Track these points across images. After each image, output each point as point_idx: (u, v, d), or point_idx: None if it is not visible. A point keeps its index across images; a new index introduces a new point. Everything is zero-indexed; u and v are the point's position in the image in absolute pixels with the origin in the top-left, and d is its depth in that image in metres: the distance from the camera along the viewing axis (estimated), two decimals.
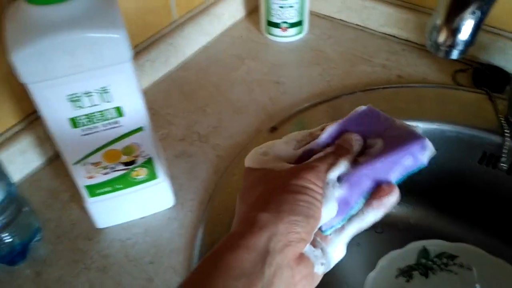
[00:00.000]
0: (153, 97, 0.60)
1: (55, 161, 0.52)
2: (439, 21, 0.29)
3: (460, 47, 0.29)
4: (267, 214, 0.28)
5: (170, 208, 0.48)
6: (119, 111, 0.37)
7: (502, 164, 0.53)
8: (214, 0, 0.68)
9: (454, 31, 0.28)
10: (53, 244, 0.45)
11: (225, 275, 0.26)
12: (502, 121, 0.53)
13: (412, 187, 0.60)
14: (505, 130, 0.52)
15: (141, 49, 0.60)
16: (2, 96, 0.47)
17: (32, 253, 0.44)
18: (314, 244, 0.30)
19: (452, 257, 0.56)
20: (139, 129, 0.39)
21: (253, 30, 0.71)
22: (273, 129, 0.55)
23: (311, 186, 0.30)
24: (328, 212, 0.30)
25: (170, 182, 0.46)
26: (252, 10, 0.73)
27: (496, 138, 0.53)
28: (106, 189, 0.42)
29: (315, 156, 0.33)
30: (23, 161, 0.50)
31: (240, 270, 0.26)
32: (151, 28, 0.61)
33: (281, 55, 0.66)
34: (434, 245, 0.57)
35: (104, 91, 0.35)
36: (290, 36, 0.68)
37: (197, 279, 0.27)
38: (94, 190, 0.42)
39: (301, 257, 0.29)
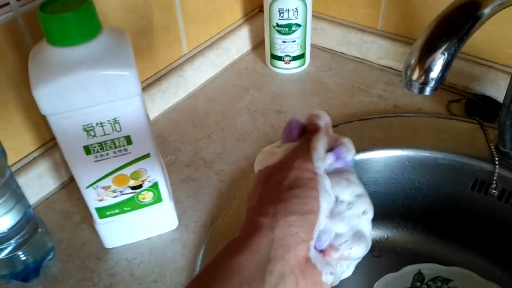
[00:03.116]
0: (163, 125, 0.64)
1: (69, 185, 0.56)
2: (413, 61, 0.32)
3: (432, 84, 0.32)
4: (264, 219, 0.28)
5: (174, 229, 0.51)
6: (128, 140, 0.41)
7: (493, 191, 0.56)
8: (223, 35, 0.73)
9: (426, 70, 0.31)
10: (64, 263, 0.48)
11: (225, 284, 0.25)
12: (493, 150, 0.56)
13: (409, 213, 0.62)
14: (496, 158, 0.55)
15: (153, 81, 0.64)
16: (23, 125, 0.51)
17: (45, 271, 0.48)
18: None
19: (446, 280, 0.58)
20: (146, 156, 0.43)
21: (258, 63, 0.75)
22: None
23: (304, 174, 0.29)
24: (326, 199, 0.29)
25: (174, 205, 0.50)
26: (258, 44, 0.78)
27: (487, 166, 0.55)
28: (114, 211, 0.45)
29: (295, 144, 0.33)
30: (39, 185, 0.54)
31: (240, 278, 0.26)
32: (163, 61, 0.65)
33: (284, 86, 0.70)
34: (429, 269, 0.59)
35: (115, 121, 0.39)
36: (292, 68, 0.71)
37: (197, 287, 0.26)
38: (103, 212, 0.45)
39: (307, 263, 0.28)
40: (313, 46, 0.75)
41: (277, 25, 0.67)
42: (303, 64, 0.72)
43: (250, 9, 0.76)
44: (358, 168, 0.58)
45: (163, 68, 0.65)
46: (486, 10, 0.33)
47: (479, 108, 0.62)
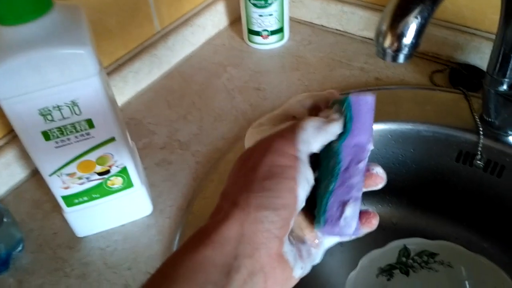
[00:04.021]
0: (136, 107, 0.62)
1: (38, 173, 0.54)
2: (384, 27, 0.30)
3: (405, 51, 0.30)
4: (234, 210, 0.25)
5: (149, 215, 0.49)
6: (90, 123, 0.38)
7: (478, 162, 0.54)
8: (197, 11, 0.70)
9: (399, 36, 0.29)
10: (35, 253, 0.47)
11: (188, 282, 0.23)
12: (477, 120, 0.54)
13: (394, 187, 0.61)
14: (480, 129, 0.53)
15: (124, 61, 0.62)
16: None
17: (15, 263, 0.46)
18: (300, 241, 0.28)
19: (432, 255, 0.57)
20: (111, 140, 0.40)
21: (235, 39, 0.72)
22: None
23: (281, 160, 0.26)
24: (304, 189, 0.26)
25: (147, 189, 0.48)
26: (235, 19, 0.75)
27: (471, 137, 0.54)
28: (83, 199, 0.43)
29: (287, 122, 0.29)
30: (7, 174, 0.52)
31: (204, 275, 0.24)
32: (134, 40, 0.63)
33: (263, 62, 0.68)
34: (415, 243, 0.57)
35: (73, 104, 0.37)
36: (271, 43, 0.69)
37: (157, 283, 0.24)
38: (71, 200, 0.43)
39: (279, 260, 0.26)
40: (292, 20, 0.73)
41: None
42: (282, 39, 0.69)
43: None
44: None
45: (134, 48, 0.63)
46: None
47: (463, 77, 0.60)
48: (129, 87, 0.62)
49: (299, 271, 0.27)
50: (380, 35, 0.30)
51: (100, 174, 0.42)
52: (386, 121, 0.56)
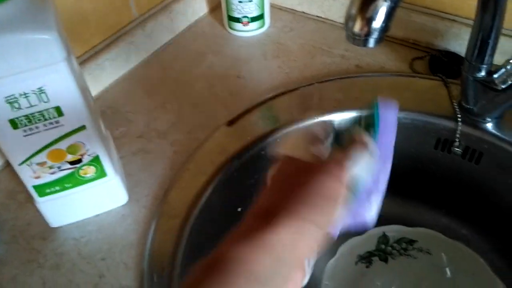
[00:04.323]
0: (114, 95, 0.61)
1: None
2: (353, 11, 0.29)
3: (375, 35, 0.29)
4: (289, 220, 0.27)
5: (125, 204, 0.48)
6: (58, 111, 0.37)
7: (456, 149, 0.54)
8: None
9: (368, 20, 0.29)
10: (8, 244, 0.46)
11: (241, 279, 0.25)
12: (455, 107, 0.54)
13: None
14: (458, 115, 0.53)
15: (101, 49, 0.60)
16: None
17: None
18: None
19: (411, 242, 0.57)
20: (82, 128, 0.39)
21: (216, 26, 0.71)
22: (231, 122, 0.56)
23: (336, 186, 0.29)
24: (342, 215, 0.30)
25: (122, 179, 0.47)
26: (216, 6, 0.74)
27: (449, 124, 0.54)
28: (55, 189, 0.43)
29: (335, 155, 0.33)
30: None
31: (256, 275, 0.25)
32: (111, 27, 0.61)
33: (243, 49, 0.67)
34: (394, 230, 0.58)
35: (41, 91, 0.36)
36: (251, 30, 0.68)
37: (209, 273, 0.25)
38: (43, 189, 0.42)
39: (303, 268, 0.28)
40: (273, 6, 0.72)
41: None
42: (262, 26, 0.68)
43: None
44: None
45: (111, 35, 0.61)
46: None
47: (443, 64, 0.60)
48: (106, 75, 0.61)
49: (306, 279, 0.29)
50: (349, 19, 0.29)
51: (71, 163, 0.42)
52: (365, 107, 0.55)
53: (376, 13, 0.29)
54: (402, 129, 0.55)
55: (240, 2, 0.65)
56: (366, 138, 0.33)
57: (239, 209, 0.55)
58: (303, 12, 0.71)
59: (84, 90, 0.40)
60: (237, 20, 0.67)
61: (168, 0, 0.67)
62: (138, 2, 0.63)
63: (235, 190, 0.53)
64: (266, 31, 0.69)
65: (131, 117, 0.58)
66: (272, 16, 0.70)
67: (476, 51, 0.48)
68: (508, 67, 0.47)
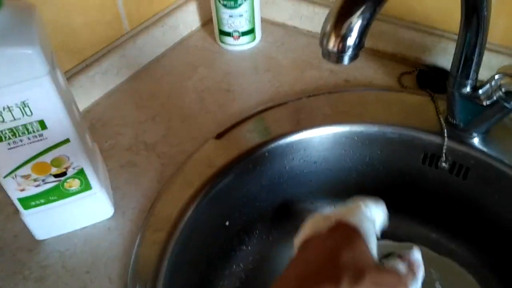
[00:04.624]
0: (104, 108, 0.61)
1: None
2: (328, 28, 0.30)
3: (349, 52, 0.30)
4: None
5: (111, 217, 0.48)
6: (42, 124, 0.38)
7: (443, 164, 0.54)
8: (168, 11, 0.69)
9: (343, 37, 0.29)
10: None
11: None
12: (442, 122, 0.54)
13: (363, 189, 0.60)
14: (444, 130, 0.53)
15: (91, 62, 0.61)
16: None
17: None
18: None
19: (400, 257, 0.56)
20: (65, 141, 0.40)
21: (207, 40, 0.72)
22: (219, 135, 0.56)
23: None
24: None
25: (108, 192, 0.47)
26: (208, 20, 0.74)
27: (436, 139, 0.54)
28: (40, 201, 0.43)
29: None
30: None
31: None
32: (102, 40, 0.62)
33: (234, 63, 0.67)
34: (382, 245, 0.57)
35: (24, 105, 0.36)
36: (242, 44, 0.69)
37: None
38: (27, 202, 0.43)
39: None
40: (265, 21, 0.73)
41: None
42: (253, 40, 0.69)
43: None
44: (307, 146, 0.56)
45: (102, 48, 0.62)
46: None
47: (431, 79, 0.60)
48: (97, 88, 0.62)
49: None
50: (324, 36, 0.30)
51: (56, 176, 0.42)
52: (352, 123, 0.56)
53: (350, 30, 0.29)
54: (390, 143, 0.56)
55: (230, 16, 0.65)
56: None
57: (227, 223, 0.55)
58: (294, 27, 0.72)
59: (69, 103, 0.40)
60: (228, 34, 0.67)
61: (160, 13, 0.68)
62: (130, 16, 0.64)
63: (222, 204, 0.53)
64: (257, 45, 0.70)
65: (120, 130, 0.58)
66: (264, 31, 0.71)
67: (461, 67, 0.48)
68: (493, 83, 0.48)
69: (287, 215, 0.61)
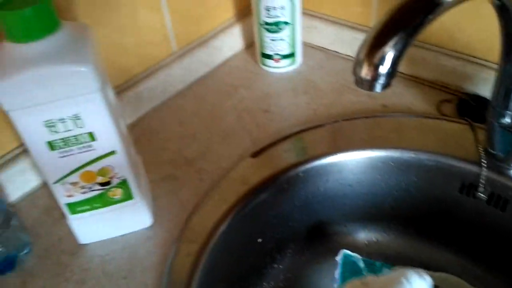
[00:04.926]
0: (149, 122, 0.64)
1: None
2: (361, 56, 0.31)
3: (381, 80, 0.31)
4: None
5: (150, 227, 0.51)
6: (91, 136, 0.41)
7: (480, 194, 0.54)
8: (213, 34, 0.72)
9: (376, 66, 0.30)
10: (40, 257, 0.49)
11: None
12: (481, 152, 0.54)
13: (398, 215, 0.61)
14: (483, 160, 0.53)
15: (140, 79, 0.65)
16: (3, 122, 0.52)
17: (21, 264, 0.48)
18: None
19: (434, 287, 0.56)
20: (111, 153, 0.43)
21: (250, 61, 0.74)
22: (255, 154, 0.58)
23: None
24: None
25: (148, 202, 0.50)
26: (251, 42, 0.77)
27: (474, 168, 0.53)
28: (85, 207, 0.46)
29: None
30: (22, 180, 0.55)
31: None
32: (151, 59, 0.66)
33: (274, 85, 0.69)
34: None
35: (76, 118, 0.39)
36: (283, 67, 0.71)
37: None
38: (74, 208, 0.46)
39: None
40: (306, 45, 0.74)
41: (265, 23, 0.66)
42: (294, 63, 0.71)
43: (242, 7, 0.76)
44: (342, 168, 0.57)
45: (150, 66, 0.66)
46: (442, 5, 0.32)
47: (471, 108, 0.60)
48: (144, 103, 0.65)
49: None
50: (357, 64, 0.31)
51: (101, 184, 0.45)
52: (388, 148, 0.56)
53: (383, 59, 0.30)
54: (427, 170, 0.56)
55: (272, 40, 0.68)
56: None
57: (259, 240, 0.56)
58: (335, 51, 0.74)
59: (117, 117, 0.43)
60: (269, 57, 0.70)
61: (206, 36, 0.72)
62: (178, 38, 0.67)
63: (256, 221, 0.54)
64: (297, 68, 0.72)
65: (163, 144, 0.61)
66: (306, 54, 0.73)
67: (500, 97, 0.48)
68: None
69: (320, 236, 0.62)
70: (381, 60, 0.30)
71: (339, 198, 0.60)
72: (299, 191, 0.57)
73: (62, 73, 0.37)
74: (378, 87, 0.31)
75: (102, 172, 0.44)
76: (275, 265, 0.60)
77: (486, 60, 0.60)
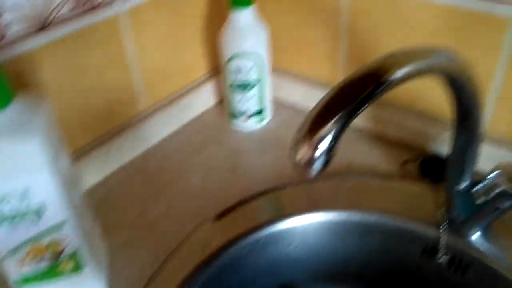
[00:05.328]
0: (113, 183, 0.64)
1: None
2: (299, 138, 0.31)
3: (320, 161, 0.31)
4: None
5: None
6: (40, 210, 0.40)
7: (441, 259, 0.53)
8: (183, 92, 0.73)
9: (315, 147, 0.31)
10: None
11: None
12: (441, 215, 0.54)
13: (360, 275, 0.60)
14: (443, 224, 0.52)
15: (105, 138, 0.65)
16: None
17: None
18: None
19: None
20: (61, 226, 0.42)
21: (220, 119, 0.75)
22: (218, 217, 0.57)
23: None
24: None
25: (102, 271, 0.49)
26: (221, 100, 0.78)
27: (434, 232, 0.53)
28: (35, 282, 0.45)
29: None
30: None
31: None
32: (118, 118, 0.66)
33: (242, 143, 0.70)
34: None
35: (24, 192, 0.39)
36: (251, 125, 0.71)
37: None
38: (24, 282, 0.45)
39: None
40: (276, 102, 0.75)
41: (233, 84, 0.67)
42: (262, 120, 0.72)
43: (215, 65, 0.77)
44: (304, 231, 0.57)
45: (118, 125, 0.66)
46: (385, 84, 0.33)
47: (434, 168, 0.60)
48: (111, 162, 0.65)
49: None
50: (295, 146, 0.32)
51: (51, 258, 0.44)
52: (351, 210, 0.56)
53: (322, 140, 0.31)
54: (389, 234, 0.56)
55: (240, 100, 0.69)
56: None
57: None
58: (304, 108, 0.75)
59: (70, 187, 0.43)
60: (238, 115, 0.70)
61: (176, 94, 0.72)
62: (146, 95, 0.68)
63: (218, 287, 0.53)
64: (266, 126, 0.72)
65: (126, 205, 0.60)
66: (275, 110, 0.74)
67: (456, 163, 0.49)
68: (486, 182, 0.48)
69: None
70: (320, 142, 0.30)
71: (303, 261, 0.59)
72: (262, 255, 0.56)
73: (8, 150, 0.37)
74: (315, 170, 0.32)
75: (51, 245, 0.43)
76: None
77: (447, 121, 0.61)
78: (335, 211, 0.57)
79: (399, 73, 0.35)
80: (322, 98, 0.35)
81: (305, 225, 0.56)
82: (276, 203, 0.59)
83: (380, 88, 0.35)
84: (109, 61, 0.61)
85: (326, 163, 0.32)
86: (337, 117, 0.33)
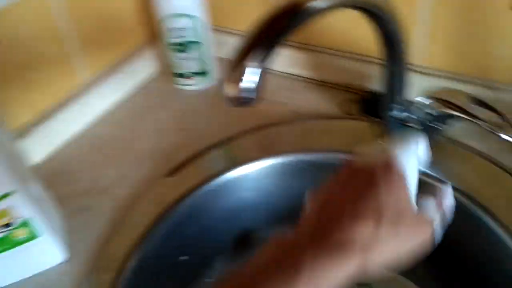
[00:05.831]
0: (63, 155, 0.64)
1: None
2: (228, 72, 0.33)
3: (249, 90, 0.33)
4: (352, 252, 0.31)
5: (65, 262, 0.50)
6: None
7: None
8: (125, 58, 0.73)
9: (242, 80, 0.32)
10: None
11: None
12: None
13: None
14: None
15: (51, 111, 0.64)
16: None
17: None
18: None
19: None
20: (6, 195, 0.42)
21: (165, 82, 0.75)
22: (170, 173, 0.58)
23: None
24: None
25: (58, 238, 0.49)
26: (166, 64, 0.78)
27: None
28: None
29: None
30: None
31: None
32: (62, 89, 0.65)
33: (189, 104, 0.71)
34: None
35: None
36: (196, 84, 0.72)
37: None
38: None
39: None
40: (222, 62, 0.76)
41: (172, 43, 0.67)
42: (209, 80, 0.72)
43: (154, 30, 0.77)
44: (258, 177, 0.59)
45: (62, 97, 0.65)
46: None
47: (372, 105, 0.63)
48: (57, 135, 0.65)
49: None
50: (224, 80, 0.33)
51: (3, 226, 0.44)
52: (297, 152, 0.58)
53: (248, 72, 0.32)
54: (337, 167, 0.58)
55: (182, 59, 0.69)
56: None
57: (182, 258, 0.57)
58: None
59: (13, 157, 0.43)
60: (181, 75, 0.71)
61: (117, 59, 0.72)
62: (86, 65, 0.67)
63: (174, 241, 0.55)
64: (212, 85, 0.73)
65: (79, 175, 0.61)
66: (221, 71, 0.75)
67: (387, 92, 0.51)
68: (418, 107, 0.51)
69: (247, 244, 0.63)
70: (245, 75, 0.32)
71: (260, 205, 0.61)
72: (217, 204, 0.58)
73: None
74: (245, 101, 0.33)
75: (1, 214, 0.43)
76: (207, 280, 0.61)
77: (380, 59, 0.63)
78: (285, 155, 0.59)
79: (317, 3, 0.36)
80: (248, 33, 0.36)
81: (257, 169, 0.58)
82: (227, 154, 0.60)
83: (299, 18, 0.36)
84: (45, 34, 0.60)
85: (255, 92, 0.33)
86: (260, 48, 0.34)
